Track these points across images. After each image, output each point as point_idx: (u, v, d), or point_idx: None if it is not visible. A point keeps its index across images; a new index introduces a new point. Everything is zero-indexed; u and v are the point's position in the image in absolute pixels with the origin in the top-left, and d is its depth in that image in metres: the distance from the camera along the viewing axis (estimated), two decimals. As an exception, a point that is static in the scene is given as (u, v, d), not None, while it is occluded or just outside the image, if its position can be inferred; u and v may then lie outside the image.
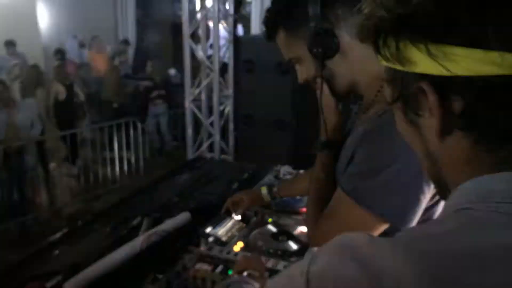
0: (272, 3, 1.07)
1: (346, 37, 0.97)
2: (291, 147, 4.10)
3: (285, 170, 2.03)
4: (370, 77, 0.99)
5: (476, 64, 0.39)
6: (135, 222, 1.61)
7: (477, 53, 0.39)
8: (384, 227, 0.90)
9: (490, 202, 0.41)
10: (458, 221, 0.42)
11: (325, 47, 0.96)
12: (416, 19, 0.43)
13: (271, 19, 1.05)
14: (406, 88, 0.47)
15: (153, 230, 1.45)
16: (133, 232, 1.54)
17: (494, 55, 0.38)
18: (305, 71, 1.05)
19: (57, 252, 1.44)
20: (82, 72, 7.11)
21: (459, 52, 0.40)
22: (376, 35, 0.49)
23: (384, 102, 0.94)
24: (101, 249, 1.42)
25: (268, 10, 1.06)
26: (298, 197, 1.68)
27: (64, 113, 5.38)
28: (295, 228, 1.51)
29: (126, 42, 8.32)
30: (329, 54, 0.96)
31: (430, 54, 0.42)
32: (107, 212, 1.76)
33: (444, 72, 0.41)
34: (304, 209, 1.65)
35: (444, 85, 0.42)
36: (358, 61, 0.98)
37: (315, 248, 0.50)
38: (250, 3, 6.48)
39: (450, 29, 0.41)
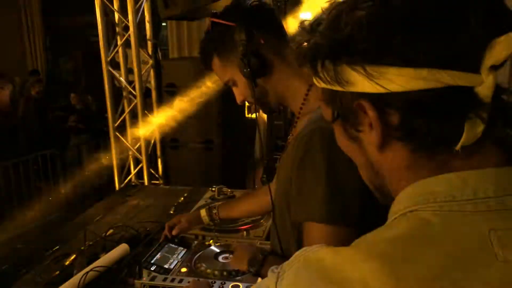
0: (206, 32, 1.17)
1: (273, 56, 1.09)
2: (221, 168, 4.12)
3: (221, 190, 2.04)
4: (295, 93, 1.10)
5: (408, 80, 0.43)
6: (68, 261, 1.52)
7: (408, 71, 0.43)
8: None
9: (433, 203, 0.45)
10: (408, 223, 0.45)
11: (256, 67, 1.06)
12: (352, 44, 0.46)
13: (205, 48, 1.16)
14: (345, 106, 0.50)
15: (90, 266, 1.38)
16: (68, 272, 1.45)
17: (423, 72, 0.43)
18: (241, 92, 1.15)
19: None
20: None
21: (392, 71, 0.44)
22: (312, 60, 0.52)
23: (308, 114, 1.03)
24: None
25: (202, 40, 1.17)
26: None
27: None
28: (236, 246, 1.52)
29: (35, 72, 7.84)
30: (257, 74, 1.07)
31: (367, 75, 0.45)
32: (34, 253, 1.63)
33: (381, 90, 0.45)
34: (242, 227, 1.68)
35: (381, 101, 0.46)
36: (284, 79, 1.10)
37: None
38: (165, 26, 6.48)
39: (383, 51, 0.45)
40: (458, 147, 0.44)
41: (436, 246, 0.42)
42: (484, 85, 0.42)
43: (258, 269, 1.12)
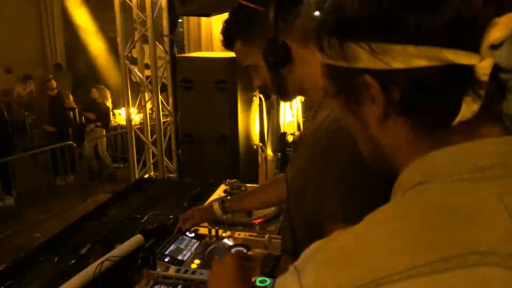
0: (230, 14, 1.12)
1: (298, 46, 1.05)
2: (234, 162, 4.15)
3: (234, 184, 2.06)
4: (316, 85, 1.07)
5: (410, 58, 0.45)
6: (84, 250, 1.56)
7: (411, 49, 0.45)
8: None
9: (441, 174, 0.47)
10: (420, 196, 0.47)
11: (279, 57, 1.04)
12: (358, 22, 0.48)
13: (229, 30, 1.12)
14: (348, 81, 0.52)
15: (105, 256, 1.41)
16: (83, 261, 1.49)
17: (426, 50, 0.45)
18: (259, 78, 1.12)
19: (2, 289, 1.36)
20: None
21: (396, 48, 0.46)
22: (319, 36, 0.54)
23: (328, 107, 1.03)
24: (49, 281, 1.37)
25: (227, 21, 1.12)
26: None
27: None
28: (249, 240, 1.54)
29: (58, 66, 7.98)
30: (281, 64, 1.05)
31: (372, 52, 0.47)
32: (52, 242, 1.68)
33: (384, 66, 0.47)
34: (255, 221, 1.69)
35: (384, 77, 0.48)
36: (306, 71, 1.07)
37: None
38: (180, 22, 6.52)
39: (388, 29, 0.46)
40: (455, 121, 0.45)
41: (454, 214, 0.43)
42: (483, 64, 0.43)
43: (271, 269, 1.12)
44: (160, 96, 3.73)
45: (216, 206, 1.57)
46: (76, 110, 6.98)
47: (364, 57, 0.48)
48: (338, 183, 0.91)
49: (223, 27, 1.13)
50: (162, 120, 3.82)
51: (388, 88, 0.48)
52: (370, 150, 0.58)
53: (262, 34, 1.04)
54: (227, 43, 1.13)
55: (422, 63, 0.45)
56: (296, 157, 1.09)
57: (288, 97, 1.15)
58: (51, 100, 6.32)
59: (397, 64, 0.46)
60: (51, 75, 6.95)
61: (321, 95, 1.07)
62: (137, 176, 3.78)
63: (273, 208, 1.76)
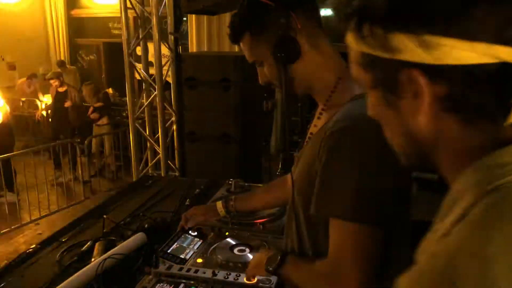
0: (239, 8, 1.10)
1: (306, 43, 1.05)
2: (237, 161, 4.14)
3: (237, 184, 2.04)
4: (323, 84, 1.08)
5: (463, 54, 0.44)
6: (86, 247, 1.55)
7: (466, 44, 0.43)
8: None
9: None
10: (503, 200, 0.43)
11: (288, 53, 1.03)
12: (414, 12, 0.46)
13: (237, 23, 1.10)
14: (388, 73, 0.50)
15: (108, 253, 1.41)
16: (85, 258, 1.48)
17: (481, 46, 0.43)
18: (266, 73, 1.11)
19: (3, 285, 1.35)
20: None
21: (450, 43, 0.44)
22: (360, 22, 0.51)
23: (334, 107, 1.02)
24: (52, 278, 1.36)
25: (235, 15, 1.11)
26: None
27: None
28: (252, 240, 1.53)
29: (62, 63, 7.99)
30: (290, 60, 1.04)
31: (423, 45, 0.45)
32: (54, 239, 1.67)
33: (435, 61, 0.45)
34: (258, 221, 1.68)
35: (432, 71, 0.46)
36: (313, 68, 1.07)
37: None
38: (185, 21, 6.52)
39: (446, 23, 0.45)
40: (508, 122, 0.45)
41: None
42: None
43: (276, 268, 1.11)
44: (163, 94, 3.71)
45: (219, 205, 1.56)
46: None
47: (412, 50, 0.46)
48: (346, 180, 0.91)
49: (232, 20, 1.11)
50: (165, 119, 3.80)
51: (435, 82, 0.46)
52: (403, 143, 0.56)
53: (271, 29, 1.03)
54: (235, 37, 1.12)
55: (475, 59, 0.43)
56: (302, 157, 1.08)
57: (294, 94, 1.13)
58: (57, 96, 6.34)
59: (449, 60, 0.44)
60: (59, 71, 6.96)
61: (327, 93, 1.07)
62: (137, 174, 3.78)
63: (276, 208, 1.75)
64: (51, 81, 6.41)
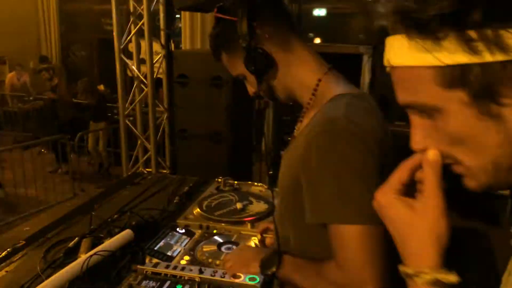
0: (213, 27, 1.14)
1: (278, 51, 1.06)
2: (227, 159, 4.14)
3: (227, 182, 2.04)
4: (304, 87, 1.09)
5: None
6: (72, 243, 1.53)
7: None
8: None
9: None
10: None
11: (259, 64, 1.04)
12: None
13: (213, 43, 1.14)
14: (488, 80, 0.45)
15: (94, 250, 1.40)
16: (71, 255, 1.47)
17: None
18: (251, 86, 1.14)
19: (-13, 281, 1.33)
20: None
21: None
22: (458, 28, 0.45)
23: (315, 108, 1.02)
24: (37, 274, 1.34)
25: (210, 35, 1.15)
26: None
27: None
28: (240, 238, 1.53)
29: (44, 59, 7.91)
30: (262, 70, 1.05)
31: None
32: (41, 235, 1.66)
33: None
34: (247, 219, 1.68)
35: None
36: (291, 73, 1.08)
37: None
38: (178, 18, 6.49)
39: None
40: None
41: None
42: None
43: (276, 270, 1.10)
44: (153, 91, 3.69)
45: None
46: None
47: None
48: (334, 184, 0.91)
49: (209, 42, 1.16)
50: (156, 115, 3.79)
51: None
52: (506, 156, 0.50)
53: (239, 43, 1.05)
54: (215, 56, 1.16)
55: None
56: (285, 158, 1.09)
57: (279, 101, 1.15)
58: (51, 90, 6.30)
59: None
60: (49, 65, 6.90)
61: (308, 95, 1.07)
62: (127, 171, 3.76)
63: (265, 206, 1.75)
64: (42, 74, 6.37)
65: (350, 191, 0.89)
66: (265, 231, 1.50)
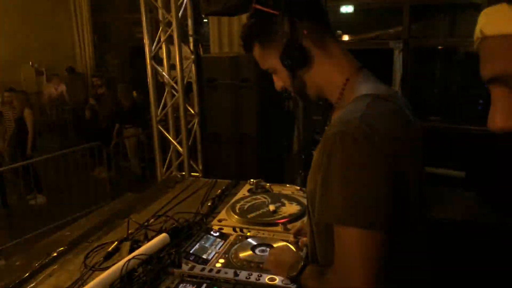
0: (247, 18, 1.14)
1: (314, 48, 1.06)
2: (258, 161, 4.16)
3: (259, 184, 2.05)
4: (333, 86, 1.09)
5: None
6: (111, 248, 1.58)
7: None
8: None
9: None
10: None
11: (295, 59, 1.05)
12: None
13: (246, 34, 1.14)
14: None
15: (132, 254, 1.44)
16: (110, 258, 1.52)
17: None
18: (280, 80, 1.14)
19: (33, 284, 1.39)
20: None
21: None
22: None
23: (341, 109, 1.02)
24: (78, 278, 1.40)
25: (244, 25, 1.14)
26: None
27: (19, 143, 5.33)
28: (274, 240, 1.53)
29: (70, 70, 8.22)
30: (298, 66, 1.06)
31: None
32: (81, 240, 1.72)
33: None
34: (280, 220, 1.68)
35: None
36: (323, 71, 1.08)
37: None
38: (206, 22, 6.57)
39: None
40: None
41: None
42: None
43: (294, 276, 1.11)
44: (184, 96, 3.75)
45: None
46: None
47: None
48: (338, 188, 0.90)
49: (241, 31, 1.15)
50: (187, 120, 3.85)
51: None
52: None
53: (278, 37, 1.05)
54: (246, 47, 1.16)
55: None
56: (314, 158, 1.09)
57: (308, 99, 1.15)
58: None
59: None
60: (94, 74, 7.21)
61: (337, 95, 1.07)
62: (161, 175, 3.83)
63: (298, 208, 1.75)
64: (94, 80, 6.65)
65: (354, 193, 0.88)
66: (298, 232, 1.50)
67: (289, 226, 1.63)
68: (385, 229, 0.88)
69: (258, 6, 1.08)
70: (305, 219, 1.59)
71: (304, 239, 1.42)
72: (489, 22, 0.51)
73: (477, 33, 0.54)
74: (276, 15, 1.04)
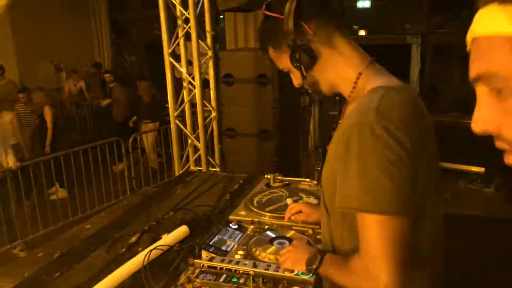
0: (261, 23, 1.21)
1: (322, 47, 1.10)
2: (275, 156, 4.18)
3: (275, 178, 2.07)
4: (346, 82, 1.12)
5: None
6: (133, 239, 1.63)
7: None
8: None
9: None
10: None
11: (304, 60, 1.10)
12: None
13: (260, 38, 1.22)
14: None
15: (154, 245, 1.47)
16: (132, 250, 1.55)
17: None
18: (296, 79, 1.19)
19: (57, 275, 1.44)
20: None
21: None
22: None
23: (355, 101, 1.04)
24: (101, 269, 1.44)
25: (258, 30, 1.23)
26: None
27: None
28: (291, 232, 1.55)
29: (97, 65, 8.34)
30: (306, 67, 1.11)
31: None
32: (103, 232, 1.76)
33: None
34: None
35: None
36: (334, 68, 1.12)
37: None
38: (222, 18, 6.61)
39: None
40: None
41: None
42: None
43: (315, 269, 1.14)
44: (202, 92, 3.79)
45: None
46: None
47: None
48: (359, 176, 0.93)
49: (258, 36, 1.24)
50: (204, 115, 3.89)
51: None
52: None
53: (286, 40, 1.10)
54: (262, 50, 1.23)
55: None
56: (328, 152, 1.12)
57: (323, 94, 1.19)
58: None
59: None
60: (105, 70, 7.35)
61: (350, 89, 1.09)
62: (179, 170, 3.88)
63: (315, 201, 1.77)
64: (107, 76, 6.78)
65: (372, 180, 0.91)
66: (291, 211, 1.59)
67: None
68: (406, 214, 0.91)
69: (267, 12, 1.15)
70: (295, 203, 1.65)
71: (294, 216, 1.58)
72: (479, 23, 0.53)
73: (468, 34, 0.56)
74: (282, 19, 1.09)
